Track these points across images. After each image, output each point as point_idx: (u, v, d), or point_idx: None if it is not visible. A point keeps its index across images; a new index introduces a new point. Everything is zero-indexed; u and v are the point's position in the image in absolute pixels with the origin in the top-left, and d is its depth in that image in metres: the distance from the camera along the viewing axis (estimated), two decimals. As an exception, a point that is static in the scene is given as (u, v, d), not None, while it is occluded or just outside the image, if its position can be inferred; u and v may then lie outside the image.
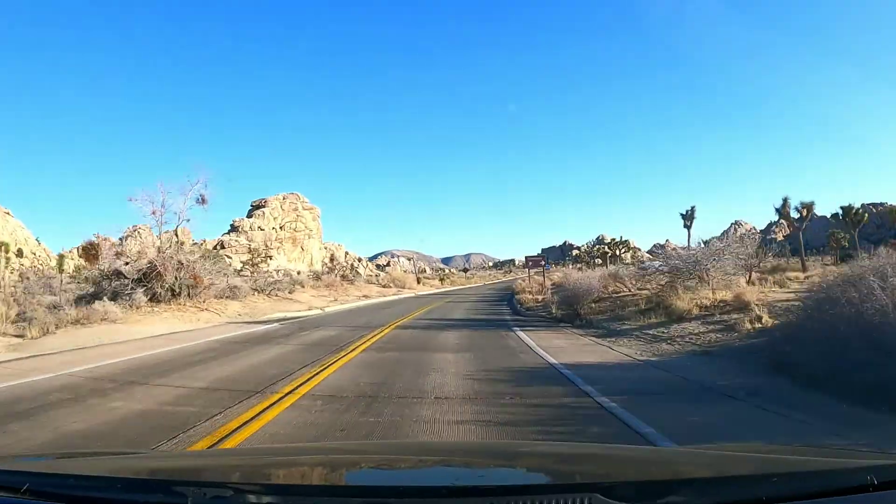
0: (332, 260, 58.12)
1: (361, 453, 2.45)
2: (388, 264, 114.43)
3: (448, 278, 69.90)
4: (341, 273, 43.06)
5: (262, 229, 53.72)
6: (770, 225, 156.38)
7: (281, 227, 55.53)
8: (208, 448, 3.83)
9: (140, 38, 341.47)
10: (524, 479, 1.77)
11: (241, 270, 45.73)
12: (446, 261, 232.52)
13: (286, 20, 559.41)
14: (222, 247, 51.15)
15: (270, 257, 47.04)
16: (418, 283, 50.96)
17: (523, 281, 43.24)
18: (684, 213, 33.98)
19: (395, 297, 33.38)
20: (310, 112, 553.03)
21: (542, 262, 32.60)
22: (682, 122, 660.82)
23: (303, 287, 31.34)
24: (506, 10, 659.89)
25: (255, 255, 42.54)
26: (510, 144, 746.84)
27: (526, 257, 36.29)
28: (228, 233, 53.81)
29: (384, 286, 42.41)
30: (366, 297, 32.08)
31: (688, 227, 33.01)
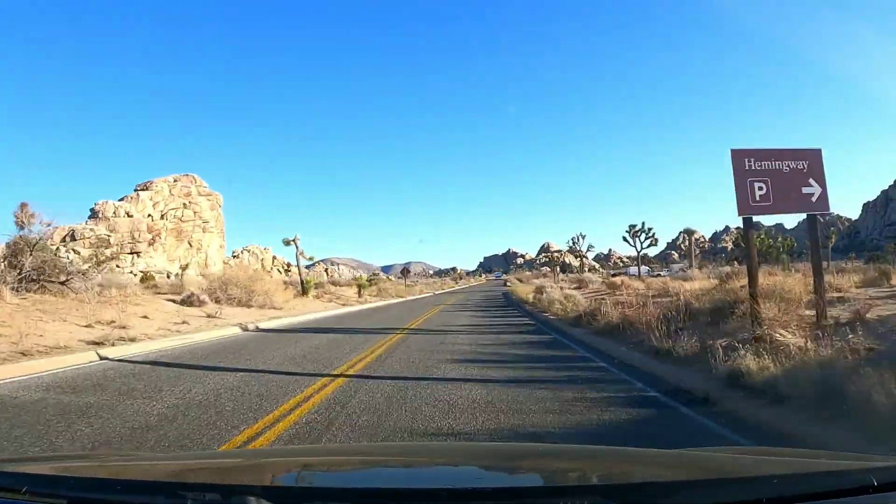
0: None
1: (361, 455, 2.42)
2: (326, 271, 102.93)
3: (375, 284, 44.34)
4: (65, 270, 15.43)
5: (129, 216, 39.28)
6: (718, 234, 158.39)
7: (162, 216, 41.27)
8: (210, 450, 3.80)
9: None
10: (523, 482, 1.76)
11: (87, 272, 31.95)
12: (386, 269, 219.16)
13: (279, 21, 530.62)
14: (73, 238, 36.62)
15: (138, 254, 33.53)
16: (304, 293, 27.40)
17: (565, 286, 25.10)
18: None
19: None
20: (267, 115, 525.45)
21: (703, 247, 11.85)
22: (631, 128, 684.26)
23: None
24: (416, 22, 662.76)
25: (106, 249, 29.18)
26: (452, 155, 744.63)
27: (627, 229, 13.39)
28: (87, 220, 39.20)
29: (183, 302, 18.04)
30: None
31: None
